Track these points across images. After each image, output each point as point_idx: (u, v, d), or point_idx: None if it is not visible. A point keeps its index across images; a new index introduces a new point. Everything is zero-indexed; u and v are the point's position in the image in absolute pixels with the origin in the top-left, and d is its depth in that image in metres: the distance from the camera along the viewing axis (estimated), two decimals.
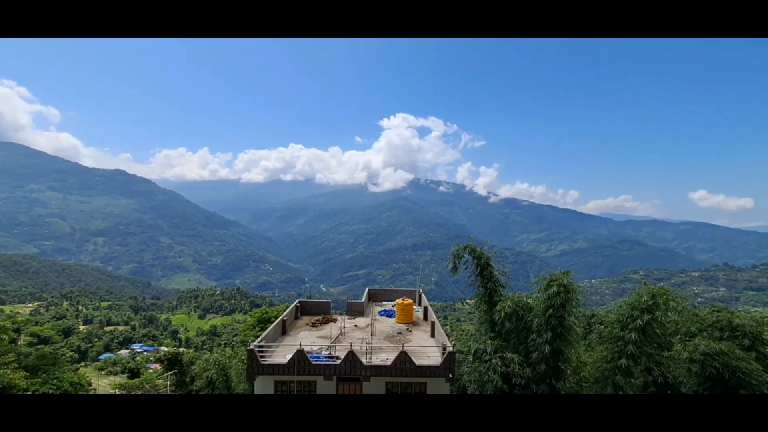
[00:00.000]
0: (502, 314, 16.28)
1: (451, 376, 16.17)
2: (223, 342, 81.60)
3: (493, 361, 15.19)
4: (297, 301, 25.58)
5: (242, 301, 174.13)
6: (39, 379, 23.71)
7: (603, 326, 20.86)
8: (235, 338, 69.02)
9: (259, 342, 17.35)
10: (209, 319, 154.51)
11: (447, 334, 19.06)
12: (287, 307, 28.25)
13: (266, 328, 22.68)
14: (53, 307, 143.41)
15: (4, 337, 19.59)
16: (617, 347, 14.13)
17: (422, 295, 27.32)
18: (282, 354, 17.36)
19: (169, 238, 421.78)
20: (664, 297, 13.66)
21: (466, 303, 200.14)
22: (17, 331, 72.11)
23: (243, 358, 26.30)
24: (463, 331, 53.16)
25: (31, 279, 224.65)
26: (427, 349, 18.46)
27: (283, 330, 21.14)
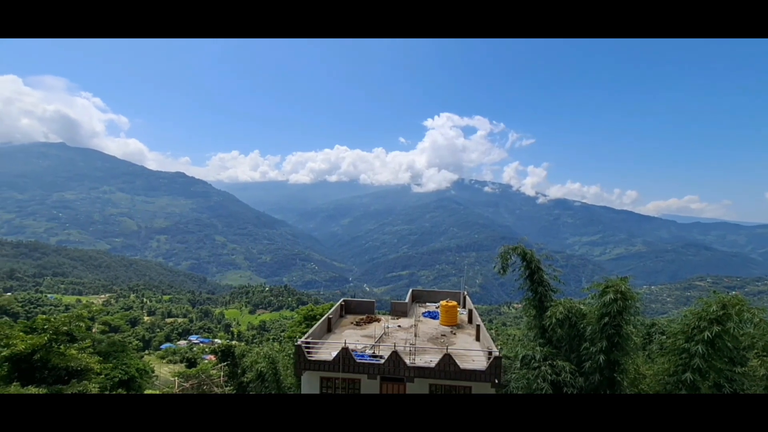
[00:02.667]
0: (553, 320, 15.58)
1: (497, 381, 15.75)
2: (271, 337, 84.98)
3: (543, 368, 14.59)
4: (342, 299, 26.08)
5: (289, 298, 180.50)
6: (110, 364, 25.97)
7: (665, 337, 19.36)
8: (282, 333, 71.67)
9: (306, 338, 17.87)
10: (259, 315, 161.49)
11: (492, 339, 18.58)
12: (332, 305, 28.88)
13: (312, 325, 23.34)
14: (122, 299, 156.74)
15: (81, 324, 21.62)
16: (681, 360, 13.06)
17: (467, 297, 26.83)
18: (327, 351, 17.77)
19: (223, 237, 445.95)
20: (737, 307, 12.42)
21: (513, 307, 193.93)
22: (92, 319, 79.41)
23: (290, 353, 27.24)
24: (509, 335, 51.55)
25: (104, 272, 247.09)
26: (472, 352, 18.09)
27: (329, 328, 21.63)
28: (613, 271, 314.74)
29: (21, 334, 18.39)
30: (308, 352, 16.99)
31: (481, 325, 20.34)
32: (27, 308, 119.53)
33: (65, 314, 22.45)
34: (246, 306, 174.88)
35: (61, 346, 18.74)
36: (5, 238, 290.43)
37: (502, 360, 16.45)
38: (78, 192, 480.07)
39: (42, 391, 15.92)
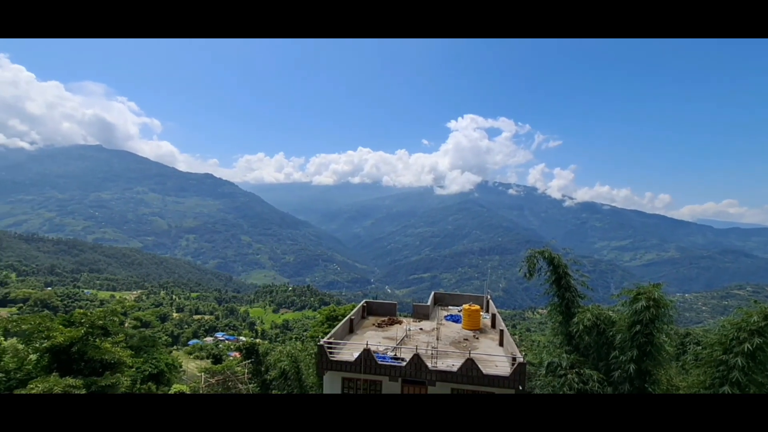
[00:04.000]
0: (580, 327, 15.12)
1: (521, 388, 15.41)
2: (294, 336, 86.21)
3: (569, 376, 14.18)
4: (364, 301, 26.17)
5: (312, 298, 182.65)
6: (141, 359, 26.98)
7: (700, 347, 18.49)
8: (305, 333, 72.53)
9: (328, 338, 18.03)
10: (282, 314, 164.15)
11: (516, 344, 18.20)
12: (354, 306, 29.04)
13: (334, 326, 23.52)
14: (153, 295, 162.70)
15: (115, 319, 22.51)
16: (718, 373, 12.41)
17: (490, 301, 26.42)
18: (349, 352, 17.86)
19: (249, 237, 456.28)
20: None
21: (537, 312, 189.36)
22: (125, 314, 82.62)
23: (312, 352, 27.54)
24: (533, 341, 50.48)
25: (136, 270, 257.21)
26: (495, 358, 17.78)
27: (351, 328, 21.74)
28: (644, 278, 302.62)
29: (60, 327, 19.33)
30: (330, 353, 17.12)
31: (505, 330, 19.98)
32: (65, 302, 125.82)
33: (100, 309, 23.49)
34: (270, 305, 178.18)
35: (97, 340, 19.60)
36: (47, 236, 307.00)
37: (527, 366, 16.09)
38: (113, 192, 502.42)
39: (79, 381, 16.69)
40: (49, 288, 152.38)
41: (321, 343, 17.21)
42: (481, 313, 23.66)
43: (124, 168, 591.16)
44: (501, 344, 19.87)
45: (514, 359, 15.96)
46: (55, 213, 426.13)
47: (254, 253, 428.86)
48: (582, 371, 14.25)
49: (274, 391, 30.12)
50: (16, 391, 16.28)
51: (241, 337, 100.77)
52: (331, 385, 17.55)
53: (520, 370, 15.26)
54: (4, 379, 18.61)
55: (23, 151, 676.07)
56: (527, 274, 17.38)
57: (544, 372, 15.65)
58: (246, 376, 34.82)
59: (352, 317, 22.25)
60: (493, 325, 23.15)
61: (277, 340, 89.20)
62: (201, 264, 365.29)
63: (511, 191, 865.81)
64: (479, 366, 15.61)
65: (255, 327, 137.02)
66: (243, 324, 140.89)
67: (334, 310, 42.40)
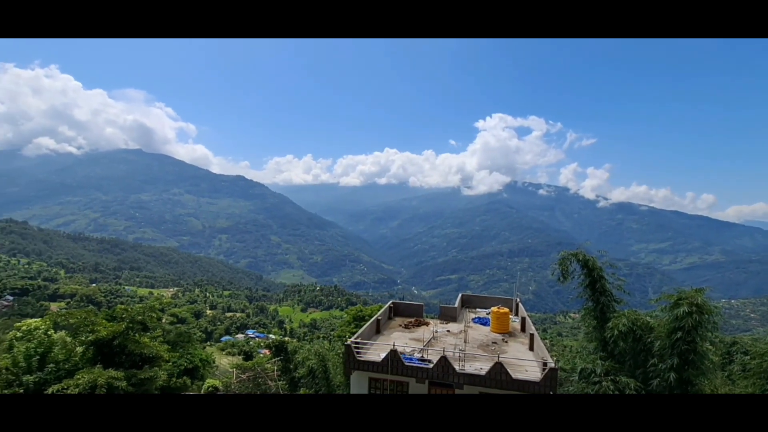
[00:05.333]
0: (615, 332, 14.51)
1: (552, 394, 14.97)
2: (321, 335, 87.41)
3: (604, 384, 13.64)
4: (390, 301, 26.18)
5: (339, 298, 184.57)
6: (177, 353, 28.09)
7: (749, 357, 17.33)
8: (332, 333, 73.46)
9: (355, 338, 18.15)
10: (310, 313, 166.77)
11: (547, 349, 17.70)
12: (381, 306, 29.11)
13: (361, 326, 23.66)
14: (188, 293, 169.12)
15: (153, 315, 23.51)
16: None
17: (519, 304, 25.82)
18: (376, 352, 17.91)
19: (278, 237, 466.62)
20: None
21: (569, 316, 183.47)
22: (162, 311, 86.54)
23: (339, 352, 27.83)
24: (565, 346, 48.98)
25: (173, 268, 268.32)
26: (525, 362, 17.35)
27: (378, 329, 21.80)
28: (685, 282, 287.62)
29: (104, 321, 20.44)
30: (357, 352, 17.23)
31: (535, 334, 19.46)
32: (108, 298, 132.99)
33: (140, 305, 24.65)
34: (298, 304, 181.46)
35: (136, 334, 20.57)
36: (92, 235, 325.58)
37: (558, 372, 15.61)
38: (152, 194, 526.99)
39: (120, 374, 17.58)
40: (94, 284, 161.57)
41: (348, 342, 17.35)
42: (510, 316, 23.17)
43: (162, 171, 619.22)
44: (531, 348, 19.37)
45: (545, 364, 15.51)
46: (99, 213, 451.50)
47: (283, 253, 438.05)
48: (618, 379, 13.69)
49: (302, 389, 30.65)
50: (66, 381, 17.32)
51: (270, 335, 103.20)
52: (358, 385, 17.65)
53: (551, 376, 14.81)
54: (54, 369, 19.85)
55: (71, 155, 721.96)
56: (561, 277, 16.86)
57: (577, 378, 15.14)
58: (275, 373, 35.60)
59: (379, 318, 22.30)
60: (523, 329, 22.61)
61: (305, 338, 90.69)
62: (233, 263, 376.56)
63: (541, 191, 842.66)
64: (508, 370, 15.29)
65: (284, 325, 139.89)
66: (272, 322, 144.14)
67: (361, 311, 42.70)
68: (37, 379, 19.16)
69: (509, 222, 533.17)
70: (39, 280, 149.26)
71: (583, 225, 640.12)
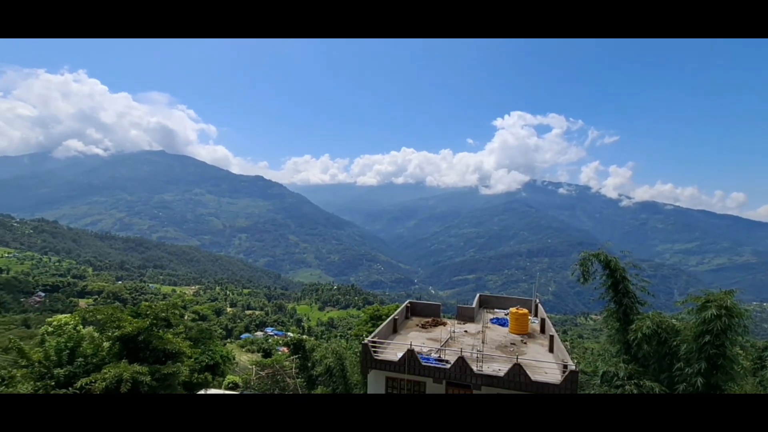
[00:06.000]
0: (639, 335, 14.09)
1: (571, 394, 14.66)
2: (339, 334, 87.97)
3: (627, 387, 13.28)
4: (408, 301, 26.14)
5: (356, 297, 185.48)
6: (199, 350, 28.72)
7: None
8: (349, 331, 73.79)
9: (372, 337, 18.20)
10: (327, 312, 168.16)
11: (568, 351, 17.35)
12: (398, 306, 29.09)
13: (378, 325, 23.69)
14: (209, 291, 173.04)
15: (176, 312, 24.07)
16: None
17: (539, 305, 25.39)
18: (393, 352, 17.92)
19: (296, 236, 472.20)
20: None
21: (591, 318, 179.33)
22: (185, 308, 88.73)
23: (356, 350, 27.94)
24: (586, 349, 47.90)
25: (194, 266, 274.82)
26: (545, 364, 17.05)
27: (395, 328, 21.80)
28: (713, 284, 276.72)
29: (129, 317, 21.04)
30: (374, 352, 17.27)
31: (555, 335, 19.10)
32: (133, 295, 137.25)
33: (163, 302, 25.30)
34: (316, 303, 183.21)
35: (160, 331, 21.12)
36: (118, 234, 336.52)
37: (579, 375, 15.29)
38: (174, 194, 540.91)
39: (144, 368, 18.10)
40: (120, 282, 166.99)
41: (365, 341, 17.40)
42: (530, 317, 22.82)
43: (184, 171, 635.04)
44: (551, 350, 19.03)
45: (565, 366, 15.22)
46: (124, 213, 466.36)
47: (301, 252, 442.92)
48: (641, 383, 13.30)
49: (319, 387, 30.91)
50: (93, 375, 17.94)
51: (288, 333, 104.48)
52: (375, 384, 17.69)
53: (571, 378, 14.52)
54: (83, 363, 20.60)
55: (98, 157, 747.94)
56: (581, 278, 16.49)
57: (598, 381, 14.78)
58: (294, 371, 36.03)
59: (396, 317, 22.30)
60: (543, 330, 22.24)
61: (323, 337, 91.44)
62: (252, 262, 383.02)
63: (561, 190, 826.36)
64: (527, 372, 15.06)
65: (302, 323, 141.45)
66: (290, 320, 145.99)
67: (378, 310, 42.79)
68: (67, 373, 19.93)
69: (528, 221, 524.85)
70: (68, 278, 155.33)
71: (605, 225, 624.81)
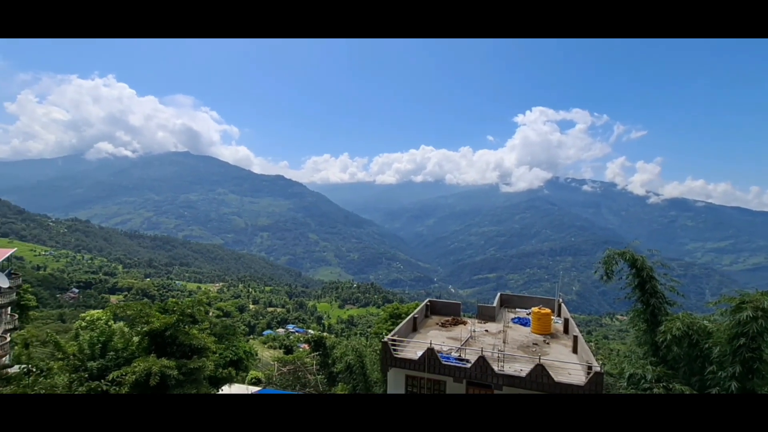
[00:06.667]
0: (668, 336, 13.62)
1: (594, 394, 14.31)
2: (358, 331, 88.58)
3: (655, 390, 12.88)
4: (427, 300, 26.06)
5: (375, 296, 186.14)
6: (223, 345, 29.43)
7: None
8: (369, 329, 74.17)
9: (392, 336, 18.24)
10: (347, 309, 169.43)
11: (592, 352, 16.94)
12: (417, 304, 29.04)
13: (397, 323, 23.72)
14: (232, 288, 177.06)
15: (201, 308, 24.72)
16: None
17: (562, 305, 24.87)
18: (413, 350, 17.91)
19: (316, 235, 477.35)
20: None
21: (616, 319, 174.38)
22: (209, 304, 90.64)
23: (376, 348, 28.07)
24: (611, 350, 46.69)
25: (218, 264, 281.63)
26: (568, 365, 16.71)
27: (414, 327, 21.78)
28: (749, 284, 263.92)
29: (157, 313, 21.75)
30: (394, 350, 17.30)
31: (579, 336, 18.68)
32: (161, 292, 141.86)
33: (189, 299, 26.02)
34: (336, 300, 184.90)
35: (186, 326, 21.75)
36: (146, 233, 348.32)
37: (604, 377, 14.91)
38: (199, 194, 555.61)
39: (172, 363, 18.69)
40: (148, 279, 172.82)
41: (385, 339, 17.46)
42: (552, 317, 22.38)
43: (208, 172, 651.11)
44: (575, 351, 18.62)
45: (589, 368, 14.86)
46: (152, 213, 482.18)
47: (321, 251, 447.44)
48: (671, 386, 12.88)
49: (340, 384, 31.22)
50: (124, 368, 18.65)
51: (309, 330, 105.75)
52: (395, 382, 17.74)
53: (596, 380, 14.17)
54: (114, 357, 21.45)
55: (127, 158, 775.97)
56: (604, 277, 16.07)
57: (624, 384, 14.39)
58: (314, 367, 36.52)
59: (416, 316, 22.27)
60: (566, 331, 21.78)
61: (343, 334, 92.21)
62: (273, 260, 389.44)
63: (585, 187, 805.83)
64: (550, 373, 14.79)
65: (322, 321, 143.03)
66: (311, 318, 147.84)
67: (398, 308, 42.81)
68: (99, 366, 20.78)
69: (551, 219, 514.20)
70: (100, 275, 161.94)
71: (632, 222, 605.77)
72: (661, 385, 12.98)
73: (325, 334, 60.09)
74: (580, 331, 19.79)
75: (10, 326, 28.36)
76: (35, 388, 16.27)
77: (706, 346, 13.22)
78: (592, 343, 50.61)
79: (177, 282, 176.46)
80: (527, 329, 22.14)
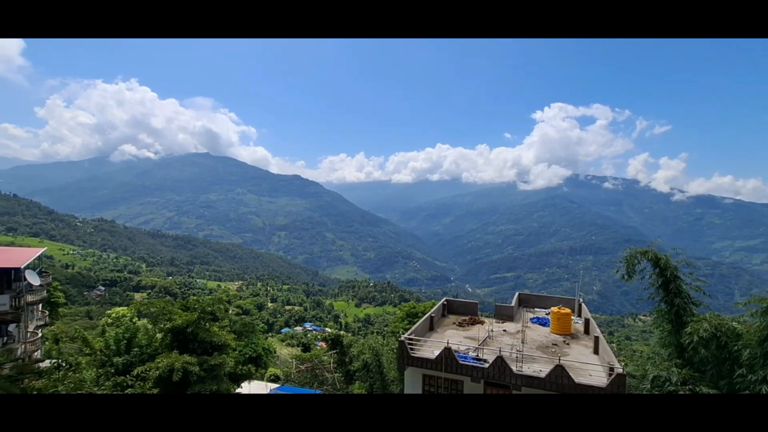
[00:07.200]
0: (695, 338, 13.19)
1: (617, 394, 13.96)
2: (375, 330, 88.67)
3: (681, 393, 12.50)
4: (444, 299, 25.93)
5: (392, 295, 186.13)
6: (243, 342, 29.99)
7: None
8: (386, 328, 74.20)
9: (409, 335, 18.22)
10: (364, 308, 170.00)
11: (614, 353, 16.54)
12: (434, 303, 28.92)
13: (414, 322, 23.69)
14: (251, 286, 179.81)
15: (221, 306, 25.27)
16: None
17: (582, 304, 24.37)
18: (430, 349, 17.85)
19: (333, 234, 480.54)
20: None
21: (639, 319, 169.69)
22: (229, 302, 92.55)
23: (393, 347, 28.09)
24: (634, 351, 45.51)
25: (237, 263, 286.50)
26: (589, 366, 16.36)
27: (431, 326, 21.70)
28: None
29: (179, 311, 22.35)
30: (411, 349, 17.28)
31: (601, 336, 18.26)
32: (182, 290, 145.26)
33: (209, 297, 26.64)
34: (352, 299, 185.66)
35: (207, 324, 22.27)
36: (168, 232, 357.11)
37: (627, 378, 14.53)
38: (218, 194, 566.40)
39: (194, 359, 19.15)
40: (170, 277, 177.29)
41: (402, 338, 17.46)
42: (572, 317, 21.95)
43: (226, 172, 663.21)
44: (596, 352, 18.22)
45: (611, 369, 14.52)
46: (174, 213, 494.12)
47: (337, 250, 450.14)
48: (697, 388, 12.47)
49: (357, 382, 31.37)
50: (148, 364, 19.21)
51: (326, 329, 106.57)
52: (412, 381, 17.72)
53: (618, 382, 13.83)
54: (138, 353, 22.11)
55: (150, 160, 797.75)
56: (625, 276, 15.67)
57: (649, 386, 14.01)
58: (332, 365, 36.79)
59: (433, 315, 22.19)
60: (587, 331, 21.34)
61: (360, 333, 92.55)
62: (291, 259, 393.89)
63: (606, 185, 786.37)
64: (570, 374, 14.51)
65: (339, 319, 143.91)
66: (328, 316, 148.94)
67: (414, 307, 42.69)
68: (125, 361, 21.46)
69: (570, 218, 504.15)
70: (125, 273, 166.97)
71: (656, 220, 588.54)
72: (687, 387, 12.59)
73: (342, 332, 60.43)
74: (602, 332, 19.36)
75: (42, 322, 29.54)
76: (65, 382, 16.91)
77: (736, 348, 12.75)
78: (614, 344, 49.43)
79: (198, 280, 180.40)
80: (546, 329, 21.79)
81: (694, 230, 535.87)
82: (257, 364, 30.08)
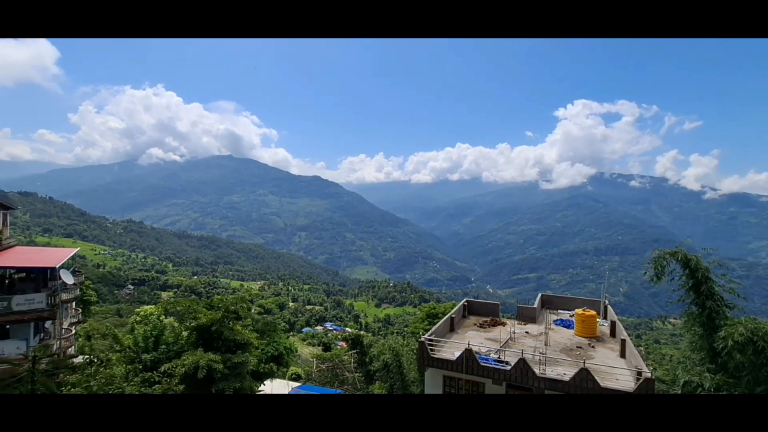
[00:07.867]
0: (730, 342, 12.61)
1: (643, 394, 13.49)
2: (395, 330, 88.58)
3: None
4: (465, 299, 25.68)
5: (412, 295, 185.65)
6: (265, 341, 30.49)
7: None
8: (405, 329, 74.04)
9: (429, 335, 18.14)
10: (384, 308, 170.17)
11: (642, 357, 16.00)
12: (454, 304, 28.69)
13: (434, 323, 23.56)
14: (273, 286, 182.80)
15: (244, 305, 25.78)
16: None
17: (608, 306, 23.68)
18: (450, 350, 17.71)
19: (352, 234, 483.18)
20: None
21: (669, 322, 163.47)
22: (251, 302, 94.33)
23: (413, 348, 28.01)
24: (663, 355, 43.90)
25: (260, 263, 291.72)
26: (615, 370, 15.89)
27: (451, 327, 21.53)
28: None
29: (204, 310, 22.94)
30: (431, 350, 17.20)
31: (628, 339, 17.71)
32: (207, 289, 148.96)
33: (233, 296, 27.23)
34: (372, 299, 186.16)
35: (230, 322, 22.77)
36: (193, 233, 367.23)
37: (655, 383, 14.04)
38: (241, 195, 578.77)
39: (218, 357, 19.62)
40: (195, 277, 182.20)
41: (422, 339, 17.40)
42: (598, 319, 21.37)
43: (249, 174, 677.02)
44: (622, 355, 17.68)
45: (639, 373, 14.06)
46: (198, 214, 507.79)
47: (357, 250, 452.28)
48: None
49: (377, 382, 31.43)
50: (174, 361, 19.79)
51: (347, 328, 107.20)
52: (433, 382, 17.63)
53: (646, 387, 13.38)
54: (165, 350, 22.81)
55: (175, 162, 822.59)
56: (654, 278, 15.12)
57: (679, 392, 13.48)
58: (352, 365, 36.99)
59: (453, 316, 22.01)
60: (613, 334, 20.74)
61: (380, 333, 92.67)
62: (311, 259, 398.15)
63: (633, 183, 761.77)
64: (596, 377, 14.13)
65: (359, 319, 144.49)
66: (348, 316, 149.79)
67: (434, 308, 42.45)
68: (152, 358, 22.20)
69: (595, 217, 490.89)
70: (153, 272, 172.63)
71: (686, 220, 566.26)
72: (720, 394, 12.05)
73: (362, 332, 60.66)
74: (629, 335, 18.76)
75: (75, 320, 30.83)
76: (97, 377, 17.61)
77: None
78: (642, 348, 47.73)
79: (222, 280, 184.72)
80: (570, 332, 21.29)
81: (728, 230, 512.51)
82: (279, 362, 30.50)
